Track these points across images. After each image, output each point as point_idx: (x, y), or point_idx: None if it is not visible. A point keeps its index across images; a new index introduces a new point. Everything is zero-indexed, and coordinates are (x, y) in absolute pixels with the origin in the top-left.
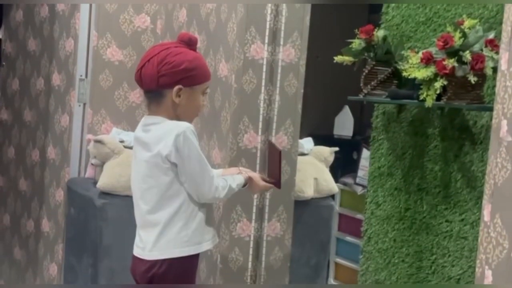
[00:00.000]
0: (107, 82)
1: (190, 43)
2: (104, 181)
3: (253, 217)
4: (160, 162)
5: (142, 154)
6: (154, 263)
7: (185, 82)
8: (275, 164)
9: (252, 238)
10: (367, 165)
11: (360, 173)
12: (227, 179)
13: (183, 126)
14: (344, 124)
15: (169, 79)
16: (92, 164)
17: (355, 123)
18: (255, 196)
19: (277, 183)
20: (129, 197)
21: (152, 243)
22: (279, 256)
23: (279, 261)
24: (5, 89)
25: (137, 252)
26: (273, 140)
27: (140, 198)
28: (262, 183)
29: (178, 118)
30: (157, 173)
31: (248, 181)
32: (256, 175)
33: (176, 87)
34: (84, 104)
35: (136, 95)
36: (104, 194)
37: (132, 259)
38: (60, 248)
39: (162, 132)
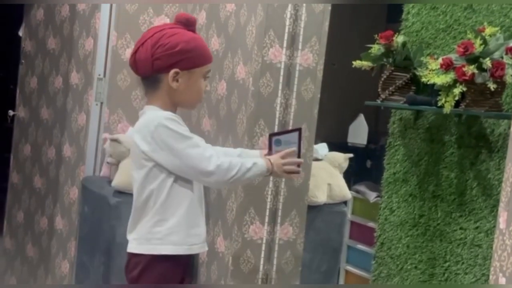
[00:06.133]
0: (124, 82)
1: (188, 24)
2: (119, 180)
3: (266, 220)
4: (137, 155)
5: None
6: (130, 257)
7: (183, 65)
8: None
9: (264, 241)
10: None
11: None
12: (243, 160)
13: (159, 117)
14: (359, 132)
15: (164, 62)
16: (107, 163)
17: (370, 131)
18: (269, 199)
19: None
20: None
21: (134, 235)
22: (290, 260)
23: (291, 265)
24: (23, 87)
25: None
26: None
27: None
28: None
29: (176, 105)
30: (140, 165)
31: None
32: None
33: (173, 71)
34: (101, 103)
35: None
36: (119, 192)
37: None
38: (73, 245)
39: (142, 124)
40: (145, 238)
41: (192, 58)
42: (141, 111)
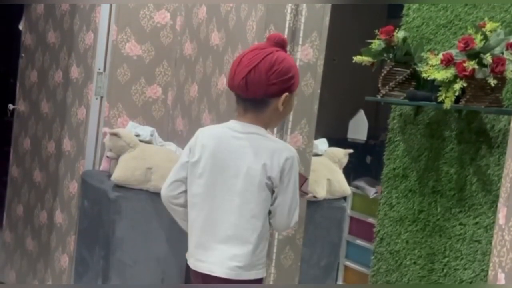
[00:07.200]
0: (124, 77)
1: (284, 45)
2: (119, 174)
3: None
4: (262, 177)
5: (232, 163)
6: (230, 282)
7: (291, 89)
8: None
9: None
10: None
11: None
12: None
13: (293, 150)
14: (358, 127)
15: (279, 88)
16: (107, 157)
17: (370, 127)
18: None
19: None
20: (143, 191)
21: (240, 261)
22: (290, 255)
23: (290, 260)
24: (23, 81)
25: (207, 268)
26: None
27: (225, 212)
28: None
29: (269, 123)
30: (257, 187)
31: None
32: None
33: (284, 95)
34: (101, 98)
35: (153, 91)
36: (118, 187)
37: (194, 275)
38: (72, 239)
39: (270, 148)
40: (251, 264)
41: (296, 82)
42: (244, 127)
